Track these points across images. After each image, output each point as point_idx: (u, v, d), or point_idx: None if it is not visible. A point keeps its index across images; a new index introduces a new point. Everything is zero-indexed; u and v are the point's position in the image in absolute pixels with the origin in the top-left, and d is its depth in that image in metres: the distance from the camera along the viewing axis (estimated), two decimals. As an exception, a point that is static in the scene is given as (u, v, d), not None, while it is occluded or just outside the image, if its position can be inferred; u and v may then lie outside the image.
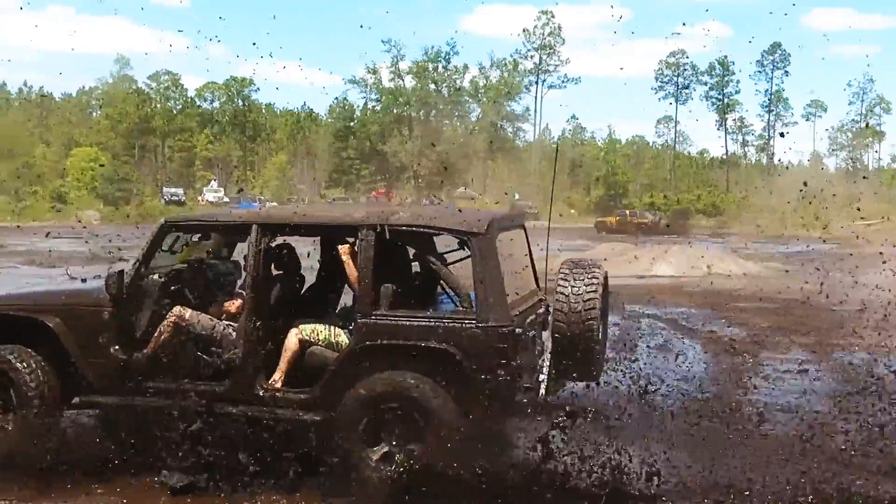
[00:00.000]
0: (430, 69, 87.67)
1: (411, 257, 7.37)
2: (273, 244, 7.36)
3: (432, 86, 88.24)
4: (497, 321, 6.46)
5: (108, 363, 7.12)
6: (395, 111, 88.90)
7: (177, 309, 7.19)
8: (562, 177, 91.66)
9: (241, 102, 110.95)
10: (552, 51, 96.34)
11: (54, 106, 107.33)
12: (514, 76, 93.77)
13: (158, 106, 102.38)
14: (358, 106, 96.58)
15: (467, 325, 6.48)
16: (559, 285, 6.90)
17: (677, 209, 69.86)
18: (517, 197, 75.99)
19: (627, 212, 68.63)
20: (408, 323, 6.61)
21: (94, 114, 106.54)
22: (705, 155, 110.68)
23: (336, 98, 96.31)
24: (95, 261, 25.67)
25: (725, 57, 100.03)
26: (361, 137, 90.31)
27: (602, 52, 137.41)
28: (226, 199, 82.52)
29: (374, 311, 6.68)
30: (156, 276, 7.44)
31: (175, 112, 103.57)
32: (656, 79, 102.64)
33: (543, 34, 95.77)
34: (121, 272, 7.19)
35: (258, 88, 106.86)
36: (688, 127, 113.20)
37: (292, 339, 6.94)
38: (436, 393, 6.41)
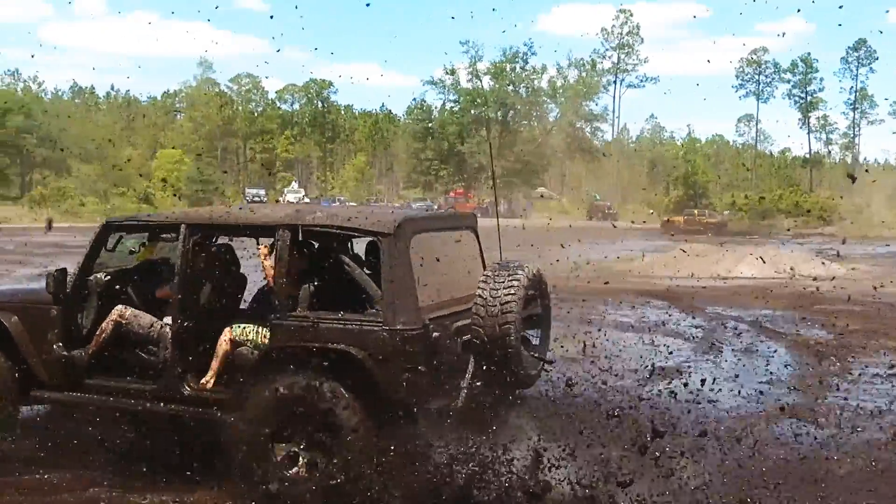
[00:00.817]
0: (508, 70, 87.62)
1: (333, 258, 7.09)
2: (210, 244, 7.47)
3: (510, 86, 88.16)
4: (404, 324, 6.30)
5: (55, 360, 7.27)
6: (473, 112, 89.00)
7: (118, 308, 7.27)
8: (640, 177, 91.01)
9: (320, 104, 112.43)
10: (630, 50, 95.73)
11: (140, 109, 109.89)
12: (593, 76, 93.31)
13: (240, 108, 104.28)
14: (436, 107, 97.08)
15: (373, 328, 6.32)
16: (478, 288, 6.62)
17: (757, 209, 68.67)
18: (597, 197, 75.53)
19: (696, 211, 67.80)
20: (317, 324, 6.47)
21: (178, 116, 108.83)
22: (787, 154, 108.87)
23: (414, 99, 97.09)
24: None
25: (808, 54, 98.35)
26: (439, 138, 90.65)
27: (681, 50, 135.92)
28: (306, 200, 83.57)
29: (290, 313, 6.59)
30: (100, 276, 7.61)
31: (256, 114, 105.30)
32: (737, 77, 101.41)
33: (622, 33, 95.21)
34: (62, 271, 7.32)
35: (337, 90, 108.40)
36: (769, 125, 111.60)
37: (224, 339, 6.90)
38: (338, 396, 6.24)
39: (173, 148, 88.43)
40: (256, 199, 79.19)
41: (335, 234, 6.81)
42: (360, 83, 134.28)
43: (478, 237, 7.81)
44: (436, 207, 78.70)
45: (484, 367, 6.55)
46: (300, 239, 6.77)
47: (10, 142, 76.87)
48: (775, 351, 13.51)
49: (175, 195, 74.39)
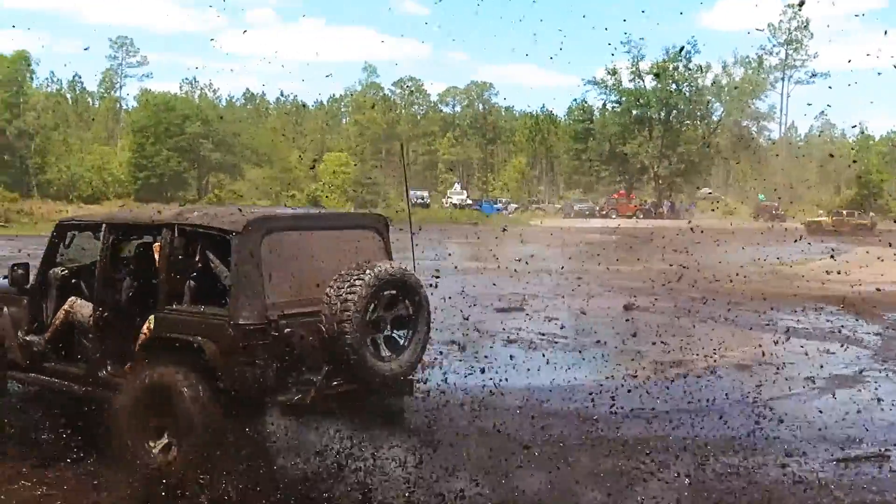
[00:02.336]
0: (671, 69, 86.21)
1: (204, 256, 7.45)
2: (134, 242, 8.07)
3: (673, 86, 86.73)
4: (247, 319, 6.54)
5: (22, 345, 8.12)
6: (634, 112, 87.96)
7: (70, 299, 8.04)
8: (809, 176, 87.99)
9: (480, 106, 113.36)
10: (799, 45, 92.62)
11: (307, 114, 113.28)
12: (759, 73, 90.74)
13: (403, 111, 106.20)
14: (597, 107, 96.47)
15: (222, 322, 6.62)
16: (328, 287, 6.79)
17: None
18: (762, 198, 73.53)
19: (844, 211, 65.06)
20: (179, 317, 6.90)
21: (344, 120, 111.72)
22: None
23: (575, 99, 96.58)
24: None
25: None
26: (601, 139, 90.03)
27: (852, 43, 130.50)
28: (468, 202, 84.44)
29: (167, 306, 7.05)
30: (58, 270, 8.33)
31: (419, 117, 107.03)
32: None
33: (790, 28, 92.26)
34: (24, 265, 8.28)
35: (498, 92, 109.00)
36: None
37: (146, 327, 7.21)
38: (190, 385, 6.58)
39: (340, 151, 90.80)
40: (419, 201, 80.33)
41: (203, 233, 7.20)
42: (520, 84, 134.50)
43: (384, 238, 7.85)
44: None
45: (328, 364, 6.73)
46: (177, 237, 7.20)
47: (188, 147, 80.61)
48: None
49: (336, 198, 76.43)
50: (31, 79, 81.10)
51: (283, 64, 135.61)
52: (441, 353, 13.35)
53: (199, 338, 6.69)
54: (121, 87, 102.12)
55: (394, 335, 7.15)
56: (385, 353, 7.07)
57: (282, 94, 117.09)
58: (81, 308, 7.98)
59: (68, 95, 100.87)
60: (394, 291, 7.04)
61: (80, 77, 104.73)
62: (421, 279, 7.23)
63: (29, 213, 53.26)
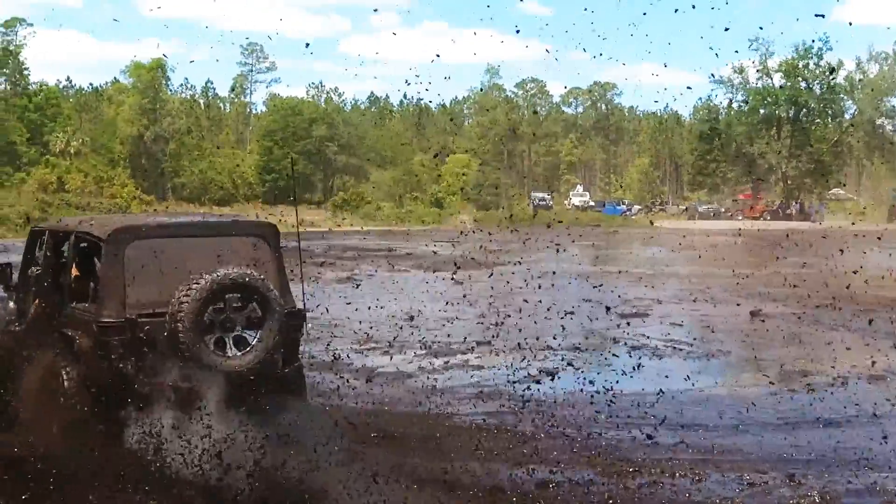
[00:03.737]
0: (801, 66, 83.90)
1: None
2: (58, 246, 8.63)
3: (803, 84, 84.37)
4: (108, 317, 7.32)
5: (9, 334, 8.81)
6: (762, 111, 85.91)
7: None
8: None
9: (603, 107, 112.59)
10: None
11: (430, 116, 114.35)
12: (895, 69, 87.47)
13: (525, 113, 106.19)
14: (723, 106, 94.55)
15: (90, 319, 7.43)
16: (176, 290, 7.33)
17: None
18: (897, 197, 70.93)
19: None
20: (71, 313, 7.76)
21: (467, 122, 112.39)
22: None
23: (700, 99, 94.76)
24: (473, 264, 27.44)
25: None
26: (727, 139, 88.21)
27: None
28: (591, 203, 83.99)
29: (70, 303, 7.90)
30: (34, 269, 8.79)
31: (541, 118, 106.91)
32: None
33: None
34: (7, 265, 9.09)
35: (621, 92, 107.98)
36: None
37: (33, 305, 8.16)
38: (68, 373, 7.43)
39: (462, 153, 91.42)
40: (542, 202, 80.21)
41: (88, 240, 7.99)
42: (644, 84, 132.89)
43: (270, 244, 8.14)
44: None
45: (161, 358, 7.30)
46: (75, 243, 8.10)
47: (314, 150, 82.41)
48: None
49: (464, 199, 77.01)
50: (167, 85, 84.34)
51: (410, 67, 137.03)
52: (563, 359, 13.48)
53: (75, 332, 7.62)
54: (251, 92, 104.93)
55: (244, 334, 7.58)
56: (232, 350, 7.52)
57: (405, 97, 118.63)
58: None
59: (201, 101, 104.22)
60: (238, 294, 7.52)
61: (212, 83, 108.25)
62: (269, 284, 7.63)
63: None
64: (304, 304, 8.29)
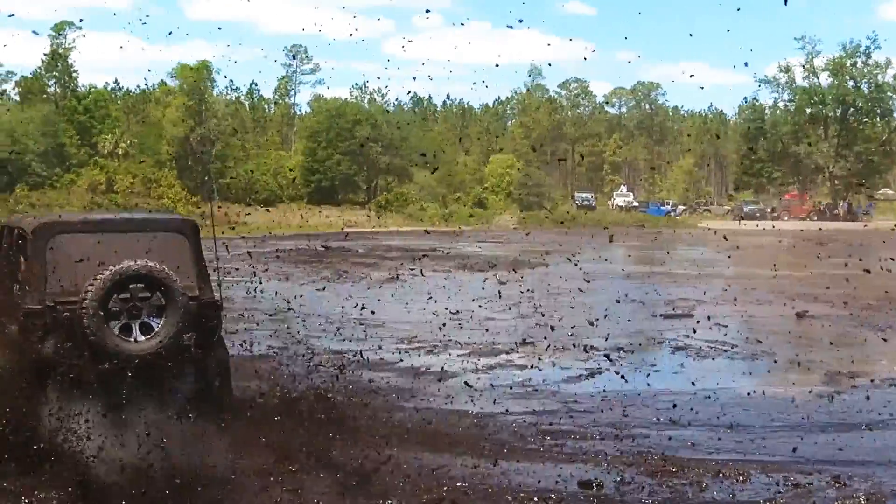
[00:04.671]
0: (848, 65, 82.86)
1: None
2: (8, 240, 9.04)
3: (851, 82, 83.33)
4: (28, 304, 7.90)
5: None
6: (808, 111, 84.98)
7: None
8: None
9: (647, 106, 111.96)
10: None
11: (473, 116, 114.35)
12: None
13: (569, 113, 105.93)
14: (769, 105, 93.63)
15: (17, 304, 8.06)
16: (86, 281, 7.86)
17: None
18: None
19: None
20: (7, 300, 8.32)
21: (509, 122, 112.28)
22: None
23: (745, 98, 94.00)
24: (517, 264, 27.48)
25: None
26: (772, 138, 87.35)
27: None
28: (635, 204, 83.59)
29: (10, 290, 8.42)
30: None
31: (584, 118, 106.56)
32: None
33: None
34: None
35: (665, 92, 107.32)
36: None
37: None
38: (3, 357, 7.98)
39: (505, 153, 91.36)
40: (585, 202, 79.96)
41: (20, 234, 8.53)
42: (689, 83, 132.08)
43: (190, 240, 8.65)
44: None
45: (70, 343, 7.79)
46: (12, 237, 8.71)
47: (358, 150, 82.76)
48: None
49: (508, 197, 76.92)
50: (213, 87, 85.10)
51: (450, 67, 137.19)
52: (607, 357, 13.50)
53: (7, 318, 8.25)
54: (295, 93, 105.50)
55: (149, 321, 8.04)
56: (137, 335, 8.00)
57: (448, 98, 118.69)
58: None
59: (246, 102, 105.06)
60: (142, 285, 7.98)
61: (256, 84, 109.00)
62: (173, 274, 8.00)
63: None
64: (221, 296, 8.65)
